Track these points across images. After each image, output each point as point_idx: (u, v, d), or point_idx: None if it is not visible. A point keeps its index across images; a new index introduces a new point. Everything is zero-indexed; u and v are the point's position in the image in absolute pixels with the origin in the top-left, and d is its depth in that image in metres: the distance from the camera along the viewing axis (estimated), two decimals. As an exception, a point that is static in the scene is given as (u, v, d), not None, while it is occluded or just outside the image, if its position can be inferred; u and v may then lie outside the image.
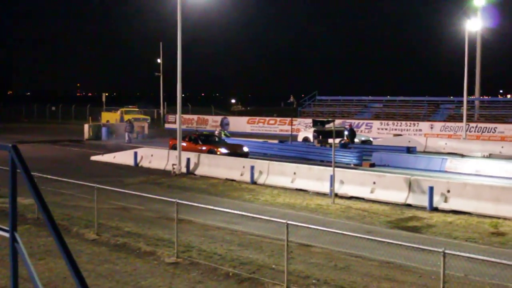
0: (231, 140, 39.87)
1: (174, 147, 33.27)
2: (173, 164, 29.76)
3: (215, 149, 32.73)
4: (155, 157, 32.43)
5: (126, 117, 57.66)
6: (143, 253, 14.56)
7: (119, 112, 63.23)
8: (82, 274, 3.66)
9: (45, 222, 3.71)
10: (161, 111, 72.83)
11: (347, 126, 42.90)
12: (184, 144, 32.90)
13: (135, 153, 33.10)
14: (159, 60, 73.36)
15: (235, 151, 32.95)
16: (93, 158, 35.42)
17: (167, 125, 67.16)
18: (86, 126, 51.77)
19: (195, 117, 67.82)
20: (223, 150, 32.66)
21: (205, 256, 14.12)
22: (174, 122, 52.56)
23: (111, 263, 13.81)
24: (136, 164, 32.67)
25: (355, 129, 45.87)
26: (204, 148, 33.05)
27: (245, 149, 34.45)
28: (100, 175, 27.40)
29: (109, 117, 64.95)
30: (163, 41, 71.56)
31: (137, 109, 69.42)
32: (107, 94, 77.87)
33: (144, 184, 26.26)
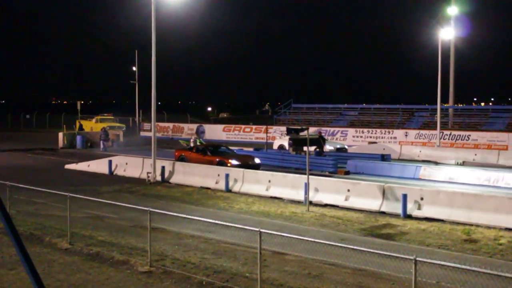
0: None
1: (180, 158, 33.06)
2: (147, 173, 29.63)
3: (226, 161, 30.91)
4: (130, 165, 32.27)
5: (101, 125, 57.38)
6: (116, 262, 14.47)
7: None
8: (44, 286, 3.63)
9: (6, 231, 3.68)
10: (137, 119, 72.45)
11: (317, 134, 43.01)
12: (190, 155, 32.77)
13: (110, 162, 32.93)
14: (134, 68, 72.97)
15: (247, 163, 31.17)
16: (67, 166, 35.18)
17: (142, 133, 66.84)
18: (60, 135, 51.39)
19: (170, 125, 67.63)
20: (234, 162, 30.81)
21: (179, 264, 14.07)
22: (150, 130, 52.41)
23: (84, 272, 13.70)
24: (111, 172, 32.50)
25: (327, 137, 46.11)
26: (213, 159, 31.31)
27: (257, 160, 32.70)
28: (74, 184, 27.21)
29: (84, 125, 64.51)
30: (139, 49, 71.24)
31: (112, 117, 69.04)
32: (82, 102, 77.34)
33: (119, 192, 26.11)
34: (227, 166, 29.71)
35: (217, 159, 31.22)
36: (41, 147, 49.37)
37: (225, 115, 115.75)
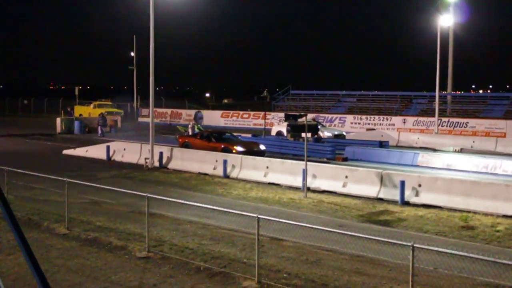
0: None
1: (184, 145, 32.92)
2: (145, 158, 29.63)
3: (231, 147, 30.66)
4: (128, 151, 32.26)
5: (99, 110, 57.32)
6: (114, 248, 14.49)
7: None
8: (42, 271, 3.62)
9: (4, 217, 3.66)
10: (135, 105, 72.38)
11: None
12: (195, 141, 32.57)
13: (108, 147, 32.90)
14: (132, 54, 72.87)
15: (252, 149, 30.89)
16: (65, 152, 35.15)
17: (140, 119, 66.80)
18: (58, 120, 51.34)
19: (168, 111, 67.54)
20: (239, 149, 30.45)
21: (177, 250, 14.09)
22: (148, 116, 52.37)
23: (82, 257, 13.73)
24: (109, 158, 32.48)
25: (325, 124, 46.16)
26: (218, 146, 31.10)
27: (262, 147, 32.35)
28: (72, 169, 27.21)
29: (82, 110, 64.52)
30: (137, 34, 71.07)
31: (110, 103, 68.97)
32: (80, 87, 77.21)
33: (117, 178, 26.10)
34: (232, 152, 29.49)
35: (222, 146, 30.98)
36: (39, 132, 49.34)
37: (226, 100, 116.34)
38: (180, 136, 35.64)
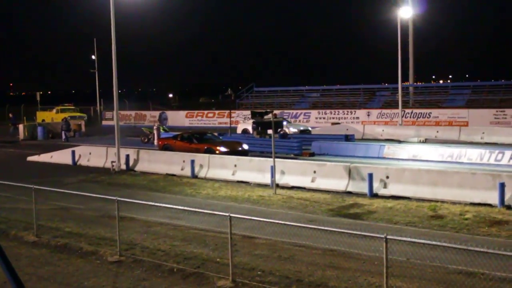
0: (170, 135, 39.46)
1: (165, 147, 32.15)
2: (112, 162, 29.37)
3: (214, 148, 29.87)
4: (94, 155, 31.95)
5: (62, 115, 56.66)
6: (85, 253, 14.36)
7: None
8: (19, 278, 3.55)
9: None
10: (98, 108, 71.75)
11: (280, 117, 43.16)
12: (176, 143, 31.86)
13: (73, 152, 32.56)
14: (93, 57, 72.23)
15: (235, 149, 30.15)
16: (30, 158, 34.68)
17: (104, 122, 66.32)
18: (21, 126, 50.68)
19: (132, 113, 67.12)
20: (222, 149, 29.76)
21: (149, 252, 14.00)
22: (112, 119, 51.90)
23: (53, 264, 13.58)
24: (75, 163, 32.14)
25: (290, 120, 46.23)
26: (200, 147, 30.17)
27: (245, 146, 31.48)
28: (38, 176, 26.85)
29: (45, 116, 63.74)
30: (97, 37, 70.49)
31: (73, 107, 68.28)
32: (41, 92, 76.27)
33: (84, 182, 25.86)
34: (215, 153, 28.87)
35: (205, 147, 30.23)
36: (1, 139, 48.60)
37: (202, 99, 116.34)
38: (159, 139, 34.92)
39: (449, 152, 29.58)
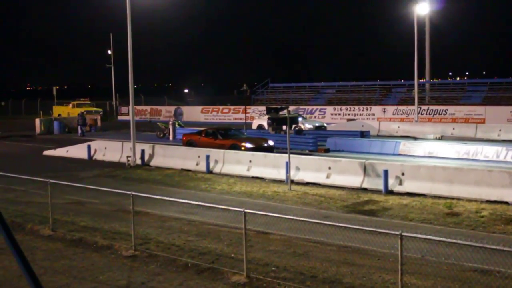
0: (185, 130, 39.53)
1: (189, 143, 31.82)
2: (127, 156, 29.44)
3: (239, 144, 29.42)
4: (109, 150, 32.05)
5: (78, 110, 56.84)
6: (100, 247, 14.40)
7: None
8: (34, 271, 3.55)
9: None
10: (114, 103, 71.97)
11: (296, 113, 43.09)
12: (200, 139, 31.47)
13: (89, 146, 32.68)
14: (109, 51, 72.43)
15: (260, 145, 29.71)
16: (46, 152, 34.84)
17: (120, 117, 66.49)
18: (37, 121, 50.93)
19: (148, 108, 67.21)
20: (248, 145, 29.29)
21: (163, 247, 14.03)
22: (127, 114, 51.99)
23: (68, 258, 13.63)
24: (90, 157, 32.26)
25: (305, 116, 46.19)
26: (225, 143, 29.83)
27: (271, 142, 30.85)
28: (54, 170, 26.97)
29: (61, 110, 64.10)
30: (113, 32, 70.70)
31: (89, 102, 68.53)
32: (57, 87, 76.63)
33: (99, 177, 25.95)
34: (240, 149, 28.47)
35: (230, 143, 29.84)
36: (18, 134, 48.89)
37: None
38: (184, 134, 34.49)
39: (465, 149, 29.41)
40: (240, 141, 30.19)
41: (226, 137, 31.00)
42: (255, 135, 35.21)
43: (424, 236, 10.89)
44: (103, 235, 15.40)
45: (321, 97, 63.81)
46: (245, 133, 34.38)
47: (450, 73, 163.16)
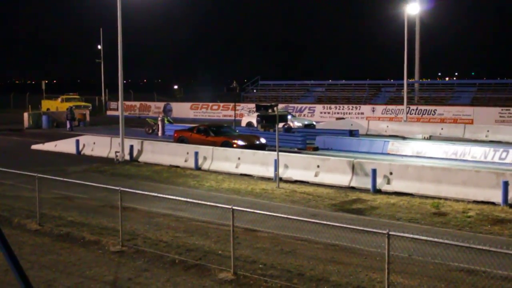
0: (174, 127, 39.49)
1: (180, 140, 31.82)
2: (116, 152, 29.37)
3: (231, 141, 29.49)
4: (98, 145, 31.98)
5: (67, 104, 56.63)
6: (87, 242, 14.38)
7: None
8: (21, 265, 3.55)
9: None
10: (103, 98, 71.77)
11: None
12: (192, 136, 31.46)
13: (77, 141, 32.59)
14: (99, 47, 72.21)
15: (252, 143, 29.66)
16: (34, 147, 34.72)
17: (109, 112, 66.34)
18: (25, 115, 50.71)
19: (137, 103, 67.09)
20: (240, 143, 29.25)
21: (151, 243, 14.02)
22: (116, 109, 51.92)
23: (55, 253, 13.61)
24: (79, 152, 32.17)
25: (294, 114, 46.15)
26: (217, 140, 29.82)
27: (263, 140, 30.85)
28: (42, 164, 26.86)
29: (50, 105, 63.82)
30: (104, 27, 70.46)
31: (78, 97, 68.29)
32: (46, 81, 76.32)
33: (87, 172, 25.86)
34: (232, 147, 28.48)
35: (222, 140, 29.86)
36: (6, 127, 48.62)
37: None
38: (175, 131, 34.43)
39: (453, 149, 29.55)
40: (232, 138, 30.23)
41: (218, 134, 31.01)
42: (246, 132, 35.09)
43: (411, 236, 10.93)
44: (90, 230, 15.38)
45: (311, 96, 63.88)
46: (237, 131, 34.27)
47: (439, 73, 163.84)
